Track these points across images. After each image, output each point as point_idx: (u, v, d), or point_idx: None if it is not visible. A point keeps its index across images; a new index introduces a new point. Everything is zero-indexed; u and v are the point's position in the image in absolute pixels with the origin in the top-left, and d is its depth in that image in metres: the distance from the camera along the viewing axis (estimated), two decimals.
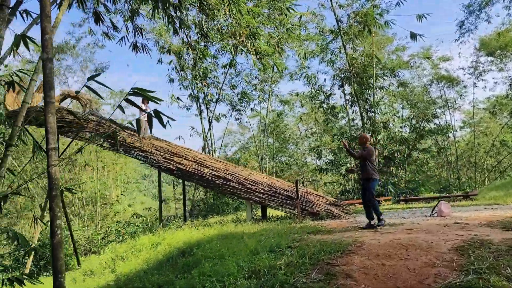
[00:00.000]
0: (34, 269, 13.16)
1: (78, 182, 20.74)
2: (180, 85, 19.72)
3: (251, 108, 22.96)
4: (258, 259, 5.32)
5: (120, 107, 3.72)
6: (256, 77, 21.19)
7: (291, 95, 24.67)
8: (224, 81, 19.91)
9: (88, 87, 3.41)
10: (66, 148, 15.22)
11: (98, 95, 3.62)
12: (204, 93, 20.10)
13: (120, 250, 10.83)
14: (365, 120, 17.52)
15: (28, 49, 4.15)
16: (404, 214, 10.05)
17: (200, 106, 20.17)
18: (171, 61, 17.53)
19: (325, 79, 19.35)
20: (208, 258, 6.41)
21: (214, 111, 20.26)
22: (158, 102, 3.68)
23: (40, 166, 20.42)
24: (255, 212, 12.63)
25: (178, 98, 10.13)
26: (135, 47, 11.25)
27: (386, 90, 19.43)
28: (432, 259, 4.47)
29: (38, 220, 4.86)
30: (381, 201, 15.16)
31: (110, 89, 2.78)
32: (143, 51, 11.42)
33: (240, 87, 21.31)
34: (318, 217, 10.09)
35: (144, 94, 3.42)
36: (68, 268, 13.31)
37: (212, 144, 20.96)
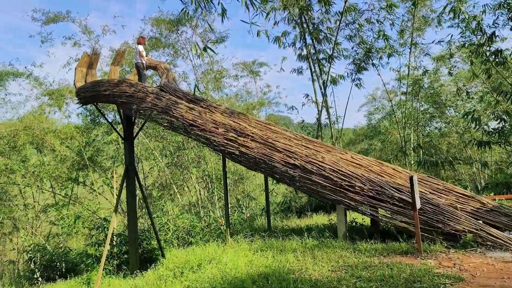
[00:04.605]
0: None
1: None
2: (287, 43, 16.09)
3: (374, 66, 17.69)
4: None
5: None
6: (382, 22, 15.82)
7: (440, 43, 18.37)
8: (337, 33, 15.41)
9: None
10: (141, 128, 13.37)
11: None
12: (315, 50, 16.08)
13: (175, 261, 8.06)
14: None
15: None
16: None
17: (312, 67, 16.22)
18: (268, 13, 13.93)
19: (483, 12, 12.87)
20: None
21: (328, 72, 16.05)
22: None
23: None
24: (363, 219, 8.46)
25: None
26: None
27: None
28: None
29: None
30: None
31: None
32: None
33: (368, 37, 16.41)
34: (460, 243, 5.58)
35: None
36: (152, 260, 11.52)
37: (330, 113, 16.91)
